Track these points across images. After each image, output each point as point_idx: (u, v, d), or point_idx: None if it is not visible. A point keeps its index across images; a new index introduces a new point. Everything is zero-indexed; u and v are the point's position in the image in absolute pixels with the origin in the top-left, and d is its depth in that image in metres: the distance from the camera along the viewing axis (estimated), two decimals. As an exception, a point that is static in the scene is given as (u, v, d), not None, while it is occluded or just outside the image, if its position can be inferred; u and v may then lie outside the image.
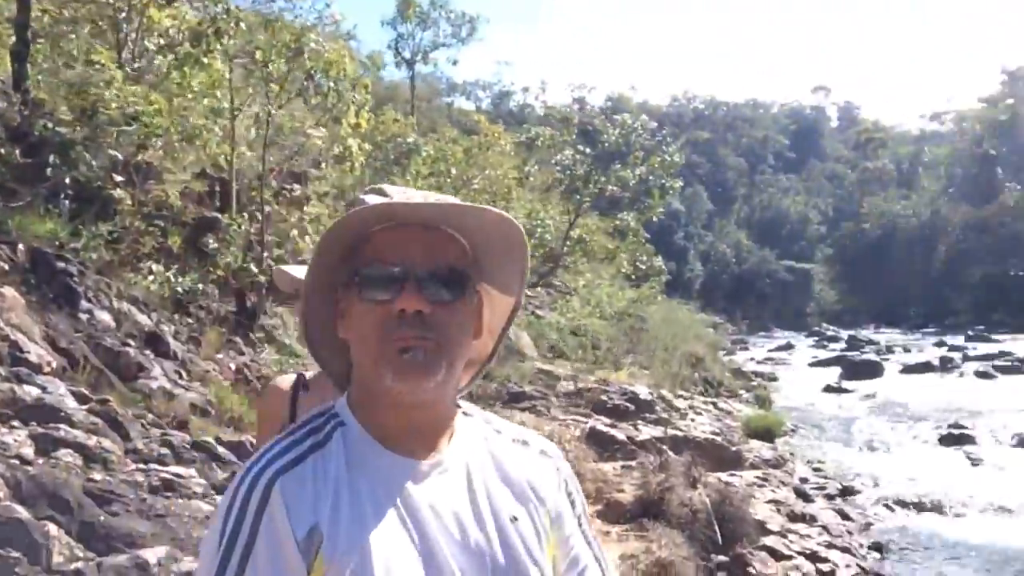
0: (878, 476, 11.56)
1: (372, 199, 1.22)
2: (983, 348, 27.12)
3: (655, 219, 18.52)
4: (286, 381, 2.34)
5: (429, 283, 1.14)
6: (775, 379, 23.14)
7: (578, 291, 17.69)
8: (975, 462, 12.27)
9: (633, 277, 20.21)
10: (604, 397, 12.09)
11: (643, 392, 12.65)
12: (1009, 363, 23.23)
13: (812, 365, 25.13)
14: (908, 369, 24.14)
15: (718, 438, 11.32)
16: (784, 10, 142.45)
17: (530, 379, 12.77)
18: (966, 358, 24.75)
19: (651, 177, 16.29)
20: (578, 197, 15.24)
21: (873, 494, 10.73)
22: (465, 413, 1.27)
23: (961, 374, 22.25)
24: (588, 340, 16.07)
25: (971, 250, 48.91)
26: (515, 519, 1.17)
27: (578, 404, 11.78)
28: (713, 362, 20.47)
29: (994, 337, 31.14)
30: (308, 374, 2.40)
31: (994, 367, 22.61)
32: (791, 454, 12.50)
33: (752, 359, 29.30)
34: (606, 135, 15.47)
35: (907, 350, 30.75)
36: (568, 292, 15.60)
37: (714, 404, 15.67)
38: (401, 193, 1.23)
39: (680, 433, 11.10)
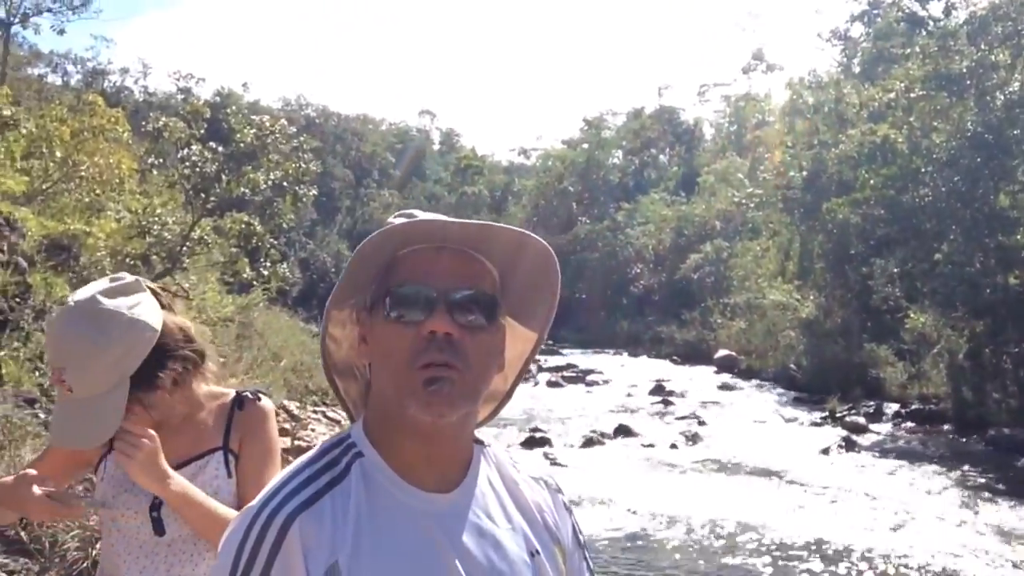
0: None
1: (401, 222, 1.17)
2: (552, 361, 29.45)
3: (284, 225, 18.44)
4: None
5: (460, 306, 1.10)
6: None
7: (189, 295, 16.76)
8: (552, 461, 13.51)
9: (231, 282, 19.52)
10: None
11: (260, 402, 12.50)
12: (574, 374, 26.62)
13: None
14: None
15: (340, 448, 11.64)
16: (396, 29, 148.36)
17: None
18: (540, 369, 26.80)
19: (285, 183, 16.23)
20: (204, 196, 14.61)
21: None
22: (482, 444, 1.24)
23: (535, 383, 23.83)
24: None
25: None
26: (536, 553, 1.17)
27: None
28: (317, 370, 20.62)
29: (561, 351, 35.12)
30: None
31: (563, 377, 25.28)
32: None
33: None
34: (241, 134, 15.05)
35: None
36: (184, 296, 14.85)
37: (323, 414, 15.95)
38: (431, 217, 1.19)
39: (304, 444, 11.20)
